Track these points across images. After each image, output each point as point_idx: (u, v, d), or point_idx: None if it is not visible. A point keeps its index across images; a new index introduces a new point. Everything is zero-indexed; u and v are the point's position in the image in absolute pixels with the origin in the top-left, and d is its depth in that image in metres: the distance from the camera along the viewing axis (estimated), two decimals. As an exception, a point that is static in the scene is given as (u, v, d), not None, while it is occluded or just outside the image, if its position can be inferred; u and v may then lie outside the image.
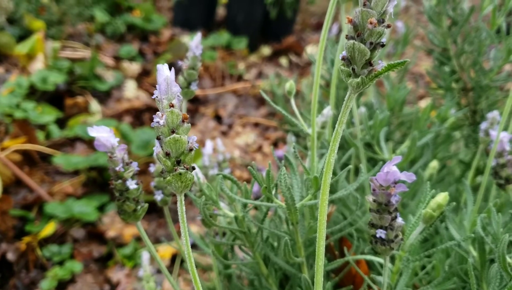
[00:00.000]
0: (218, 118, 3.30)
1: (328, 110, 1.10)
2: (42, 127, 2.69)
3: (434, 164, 1.24)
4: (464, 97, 1.46)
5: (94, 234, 2.20)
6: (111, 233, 2.19)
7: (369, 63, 0.61)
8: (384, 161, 1.22)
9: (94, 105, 3.00)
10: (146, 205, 0.79)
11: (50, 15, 3.57)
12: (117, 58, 3.63)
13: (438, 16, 1.40)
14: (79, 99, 2.98)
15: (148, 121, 3.04)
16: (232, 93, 3.52)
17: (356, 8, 0.60)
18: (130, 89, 3.29)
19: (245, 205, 0.97)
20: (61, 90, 3.04)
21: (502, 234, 0.98)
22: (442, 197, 0.82)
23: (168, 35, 4.01)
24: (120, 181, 0.75)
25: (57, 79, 2.91)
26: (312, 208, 1.02)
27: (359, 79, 0.61)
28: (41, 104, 2.78)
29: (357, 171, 1.34)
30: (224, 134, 3.12)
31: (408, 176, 0.76)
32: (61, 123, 2.80)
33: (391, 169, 0.75)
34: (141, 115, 3.12)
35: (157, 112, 0.63)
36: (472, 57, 1.41)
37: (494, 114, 1.25)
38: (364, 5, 0.59)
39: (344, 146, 1.38)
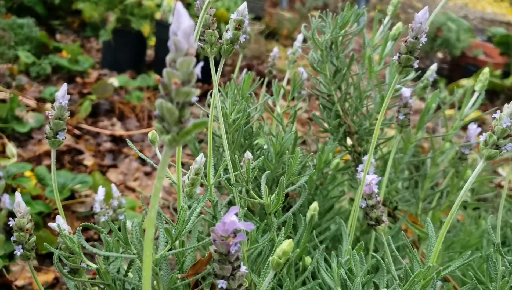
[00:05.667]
0: (142, 159, 3.27)
1: (201, 157, 1.12)
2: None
3: (314, 206, 1.28)
4: (350, 140, 1.52)
5: (1, 284, 2.09)
6: (20, 283, 2.10)
7: (180, 121, 0.63)
8: (262, 205, 1.24)
9: (10, 148, 2.90)
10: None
11: (-31, 56, 3.47)
12: (41, 100, 3.55)
13: (322, 64, 1.48)
14: (-5, 142, 2.88)
15: (68, 163, 2.97)
16: (159, 133, 3.50)
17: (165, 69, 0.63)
18: (51, 131, 3.21)
19: (107, 257, 0.96)
20: (-25, 133, 2.93)
21: (362, 276, 1.02)
22: (287, 245, 0.84)
23: (96, 76, 3.98)
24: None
25: (-30, 122, 2.81)
26: (178, 256, 1.02)
27: (170, 136, 0.63)
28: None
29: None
30: (147, 174, 3.08)
31: (246, 226, 0.78)
32: (-26, 167, 2.68)
33: (229, 220, 0.77)
34: (62, 157, 3.04)
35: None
36: (355, 103, 1.48)
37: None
38: (170, 66, 0.62)
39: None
